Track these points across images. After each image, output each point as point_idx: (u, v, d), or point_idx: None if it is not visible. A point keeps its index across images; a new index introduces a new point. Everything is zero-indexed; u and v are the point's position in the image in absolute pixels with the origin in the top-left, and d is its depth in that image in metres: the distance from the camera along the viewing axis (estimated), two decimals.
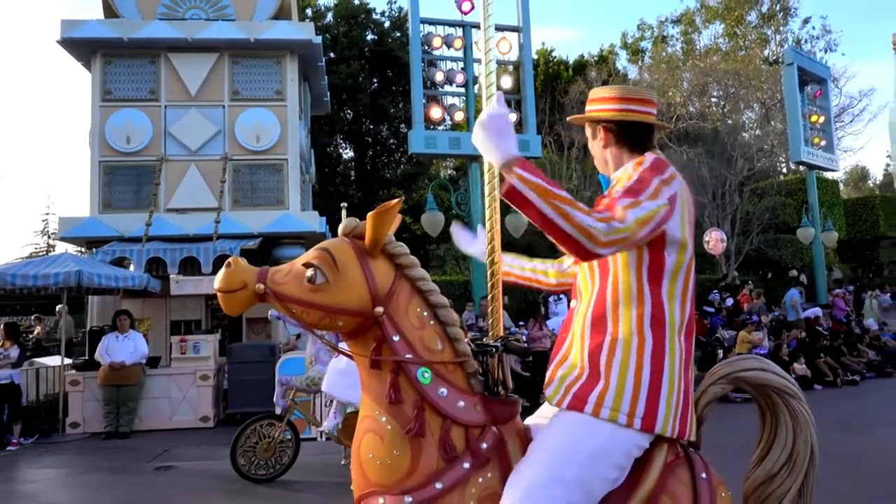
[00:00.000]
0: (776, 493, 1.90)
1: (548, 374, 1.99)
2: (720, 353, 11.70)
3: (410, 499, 1.77)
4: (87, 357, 10.56)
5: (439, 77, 13.20)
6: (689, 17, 32.09)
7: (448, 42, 13.09)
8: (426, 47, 13.17)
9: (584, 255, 1.75)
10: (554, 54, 30.95)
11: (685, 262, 1.91)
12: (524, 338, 11.59)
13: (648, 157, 2.03)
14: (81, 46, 12.23)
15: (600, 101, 2.15)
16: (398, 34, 27.30)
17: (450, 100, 13.62)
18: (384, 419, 1.86)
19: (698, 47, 23.87)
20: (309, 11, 26.26)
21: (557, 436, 1.81)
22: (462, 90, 13.48)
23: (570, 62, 30.37)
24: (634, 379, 1.79)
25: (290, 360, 9.21)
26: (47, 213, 39.31)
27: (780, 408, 1.95)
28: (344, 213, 6.85)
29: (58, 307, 16.22)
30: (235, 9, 12.74)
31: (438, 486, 1.78)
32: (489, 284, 2.27)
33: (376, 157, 29.66)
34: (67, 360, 10.31)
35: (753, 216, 21.31)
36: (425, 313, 1.97)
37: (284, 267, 1.94)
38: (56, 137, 64.79)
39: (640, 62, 28.17)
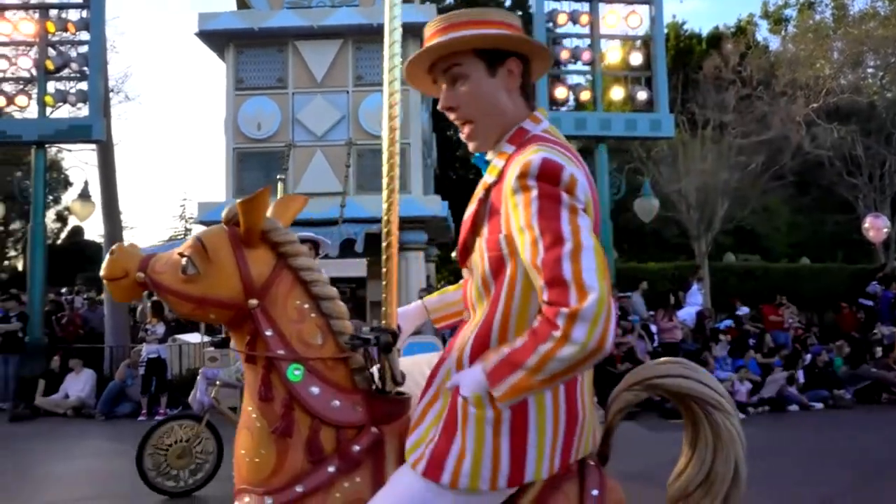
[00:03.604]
0: None
1: (416, 414, 1.69)
2: (878, 351, 10.58)
3: (271, 500, 1.70)
4: (223, 335, 11.04)
5: (564, 55, 12.67)
6: None
7: (574, 18, 12.54)
8: (550, 24, 12.69)
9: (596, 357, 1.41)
10: (685, 27, 29.34)
11: None
12: (653, 330, 11.01)
13: (534, 162, 1.44)
14: (216, 38, 12.75)
15: (494, 25, 1.57)
16: (520, 13, 26.77)
17: (575, 78, 13.09)
18: (255, 416, 1.78)
19: (851, 13, 21.70)
20: None
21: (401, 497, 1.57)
22: (588, 68, 12.92)
23: (704, 35, 28.66)
24: (493, 440, 1.51)
25: (414, 344, 9.18)
26: (185, 199, 41.99)
27: (702, 420, 1.70)
28: (280, 186, 5.82)
29: None
30: None
31: (299, 489, 1.68)
32: (384, 264, 1.85)
33: None
34: (206, 338, 10.83)
35: None
36: (306, 306, 1.83)
37: (164, 255, 1.85)
38: (194, 126, 69.39)
39: (783, 32, 26.07)
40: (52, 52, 12.01)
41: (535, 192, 1.42)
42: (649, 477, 5.99)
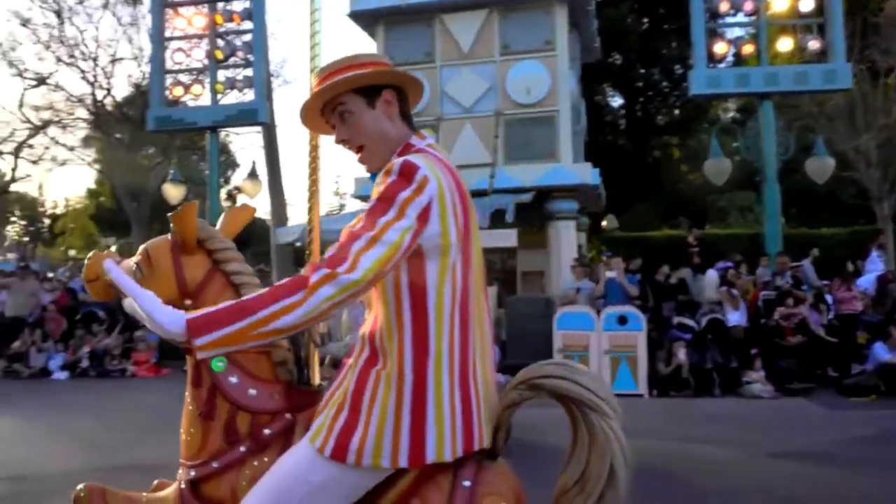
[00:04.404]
0: None
1: (324, 399, 1.79)
2: None
3: (194, 473, 1.97)
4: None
5: (724, 7, 11.82)
6: None
7: None
8: None
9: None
10: None
11: (449, 268, 1.66)
12: (828, 301, 10.14)
13: (396, 161, 1.64)
14: (367, 17, 13.16)
15: (366, 66, 1.79)
16: None
17: (736, 31, 12.20)
18: (188, 399, 2.06)
19: None
20: None
21: (300, 477, 1.70)
22: (751, 19, 11.98)
23: None
24: (395, 420, 1.63)
25: (567, 315, 9.11)
26: (338, 176, 44.06)
27: (580, 421, 1.72)
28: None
29: None
30: None
31: (215, 464, 1.95)
32: (307, 243, 2.07)
33: (648, 102, 28.14)
34: None
35: None
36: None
37: (125, 262, 2.11)
38: None
39: None
40: (220, 42, 12.97)
41: (382, 187, 1.62)
42: (824, 455, 5.61)
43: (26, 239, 35.68)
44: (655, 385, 8.65)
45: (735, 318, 9.45)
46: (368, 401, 1.65)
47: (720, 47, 11.77)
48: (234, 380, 2.00)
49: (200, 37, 13.01)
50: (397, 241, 1.57)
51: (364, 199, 13.71)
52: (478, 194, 11.72)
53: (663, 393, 8.59)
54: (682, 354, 8.55)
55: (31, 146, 26.45)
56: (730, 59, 12.63)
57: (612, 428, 1.68)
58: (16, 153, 26.20)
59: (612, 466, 1.67)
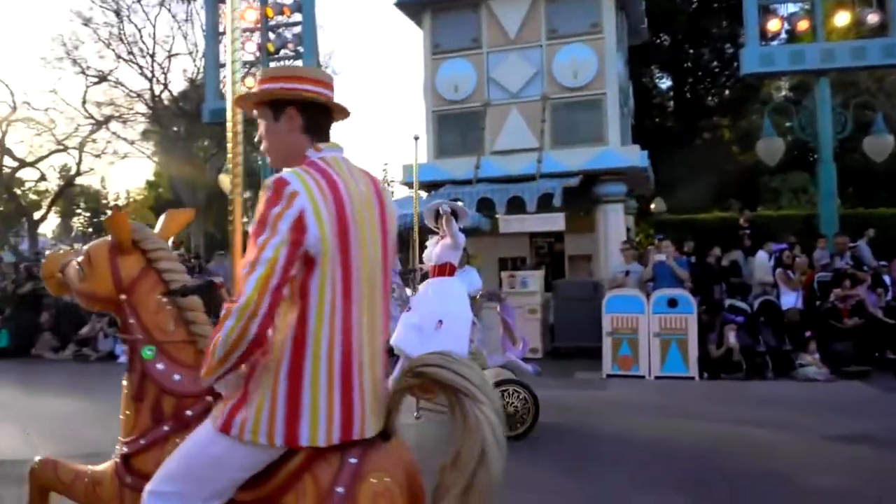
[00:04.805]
0: (444, 485, 1.85)
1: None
2: None
3: (126, 449, 2.26)
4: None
5: None
6: None
7: None
8: None
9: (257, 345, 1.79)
10: None
11: (328, 271, 1.81)
12: (886, 282, 9.91)
13: (270, 179, 1.82)
14: (413, 6, 13.27)
15: (286, 80, 1.97)
16: None
17: (790, 7, 11.91)
18: (125, 383, 2.35)
19: None
20: None
21: (200, 450, 1.91)
22: None
23: None
24: (271, 402, 1.81)
25: (617, 298, 9.14)
26: (386, 164, 44.38)
27: (455, 406, 1.86)
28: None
29: None
30: None
31: (142, 441, 2.24)
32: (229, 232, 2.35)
33: (697, 83, 27.53)
34: (407, 291, 11.54)
35: None
36: (164, 300, 2.37)
37: (73, 262, 2.46)
38: (394, 93, 72.72)
39: None
40: (271, 35, 13.27)
41: (260, 205, 1.81)
42: (880, 439, 5.55)
43: (91, 230, 37.03)
44: (706, 368, 8.61)
45: (789, 300, 9.33)
46: (254, 385, 1.85)
47: (773, 24, 11.52)
48: (160, 366, 2.30)
49: (252, 30, 13.34)
50: (272, 258, 1.73)
51: (410, 185, 13.88)
52: (525, 179, 11.81)
53: (714, 376, 8.56)
54: (731, 337, 8.50)
55: (94, 141, 27.47)
56: (783, 36, 12.35)
57: (483, 413, 1.81)
58: (80, 148, 27.24)
59: (484, 448, 1.78)
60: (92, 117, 26.40)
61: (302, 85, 1.97)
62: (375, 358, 1.92)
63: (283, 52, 13.28)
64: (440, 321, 5.54)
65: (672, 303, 8.79)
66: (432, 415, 6.09)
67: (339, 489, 1.81)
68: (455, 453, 1.84)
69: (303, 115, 1.96)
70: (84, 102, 25.95)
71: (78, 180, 30.27)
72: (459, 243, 5.85)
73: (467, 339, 5.71)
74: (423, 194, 13.41)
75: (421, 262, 6.22)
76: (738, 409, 6.93)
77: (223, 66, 13.94)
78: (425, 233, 6.69)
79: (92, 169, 29.38)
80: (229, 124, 2.95)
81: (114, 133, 27.29)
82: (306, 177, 1.83)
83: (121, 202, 38.10)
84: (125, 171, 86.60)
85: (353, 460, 1.85)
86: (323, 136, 2.00)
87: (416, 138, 7.46)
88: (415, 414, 6.19)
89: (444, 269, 5.82)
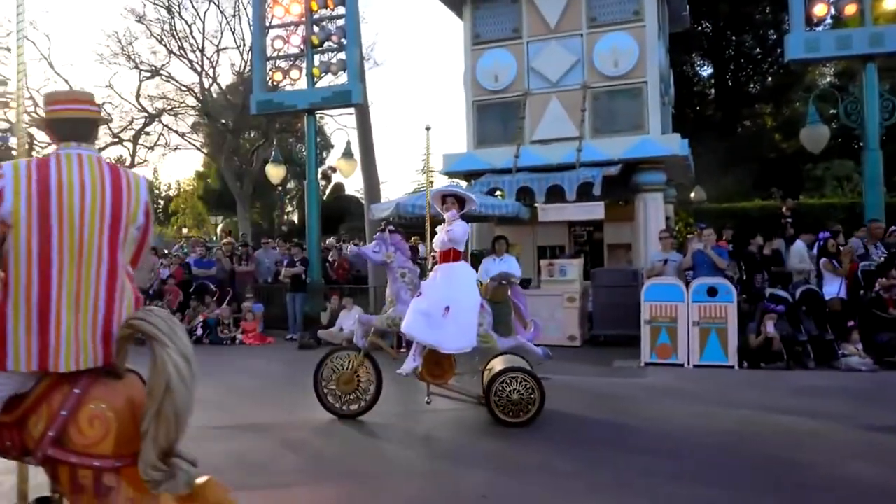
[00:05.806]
0: (143, 410, 2.31)
1: None
2: None
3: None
4: None
5: None
6: None
7: None
8: None
9: None
10: None
11: (22, 237, 2.32)
12: None
13: None
14: None
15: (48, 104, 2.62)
16: None
17: None
18: None
19: None
20: None
21: None
22: None
23: None
24: None
25: (656, 286, 9.19)
26: (424, 156, 44.50)
27: (150, 350, 2.32)
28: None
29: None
30: None
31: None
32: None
33: (739, 70, 27.09)
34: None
35: None
36: None
37: None
38: (435, 83, 72.83)
39: None
40: (315, 28, 13.53)
41: None
42: None
43: None
44: (746, 357, 8.62)
45: (832, 289, 9.25)
46: None
47: (819, 9, 11.32)
48: None
49: (297, 24, 13.62)
50: None
51: (450, 175, 14.07)
52: (565, 168, 11.88)
53: (754, 365, 8.56)
54: (770, 327, 8.47)
55: (147, 133, 28.54)
56: (828, 21, 12.13)
57: (168, 354, 2.28)
58: (134, 140, 28.18)
59: (167, 382, 2.26)
60: (145, 111, 27.35)
61: (54, 106, 2.58)
62: (81, 308, 2.38)
63: (326, 44, 13.52)
64: (447, 307, 5.70)
65: (712, 291, 8.80)
66: (441, 400, 6.29)
67: (63, 412, 2.30)
68: (150, 386, 2.30)
69: (54, 126, 2.57)
70: (138, 96, 26.91)
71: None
72: (455, 229, 5.91)
73: (475, 325, 5.85)
74: (464, 183, 13.63)
75: (433, 250, 6.43)
76: (776, 397, 6.92)
77: (270, 59, 14.31)
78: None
79: (145, 160, 30.44)
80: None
81: (166, 126, 28.37)
82: (21, 164, 2.40)
83: (172, 192, 39.26)
84: (176, 162, 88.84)
85: (77, 390, 2.33)
86: (70, 138, 2.53)
87: (428, 128, 7.57)
88: (426, 399, 6.27)
89: (449, 255, 5.96)
